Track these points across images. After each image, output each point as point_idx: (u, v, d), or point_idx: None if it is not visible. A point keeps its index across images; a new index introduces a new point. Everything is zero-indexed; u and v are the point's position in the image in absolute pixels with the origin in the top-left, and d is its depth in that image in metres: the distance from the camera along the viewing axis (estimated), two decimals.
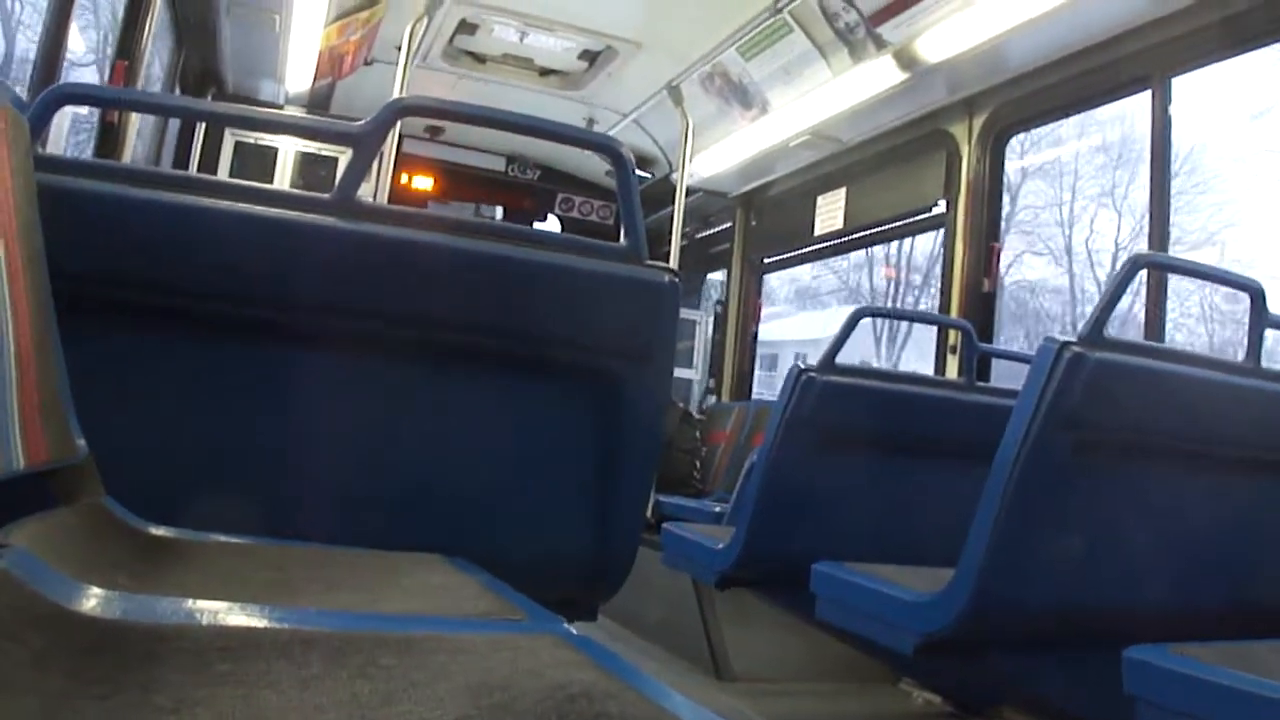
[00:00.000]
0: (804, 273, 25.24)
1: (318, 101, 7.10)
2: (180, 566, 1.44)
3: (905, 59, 4.79)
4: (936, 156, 5.33)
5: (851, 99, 5.31)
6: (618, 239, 2.13)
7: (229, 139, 7.10)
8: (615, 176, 2.11)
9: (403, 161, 7.26)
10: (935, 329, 5.64)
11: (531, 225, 8.20)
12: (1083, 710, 2.45)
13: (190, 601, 1.09)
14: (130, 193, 1.77)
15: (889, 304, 24.80)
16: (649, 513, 4.44)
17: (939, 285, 5.51)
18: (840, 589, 2.75)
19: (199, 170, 6.85)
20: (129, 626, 1.00)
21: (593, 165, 8.00)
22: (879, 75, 4.99)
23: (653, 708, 0.96)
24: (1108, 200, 22.49)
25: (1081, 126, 20.17)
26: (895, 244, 22.78)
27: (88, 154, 4.72)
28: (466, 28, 6.13)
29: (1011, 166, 21.74)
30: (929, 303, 22.78)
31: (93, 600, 1.04)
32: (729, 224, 7.58)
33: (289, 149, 7.20)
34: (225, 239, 1.83)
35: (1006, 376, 4.24)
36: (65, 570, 1.10)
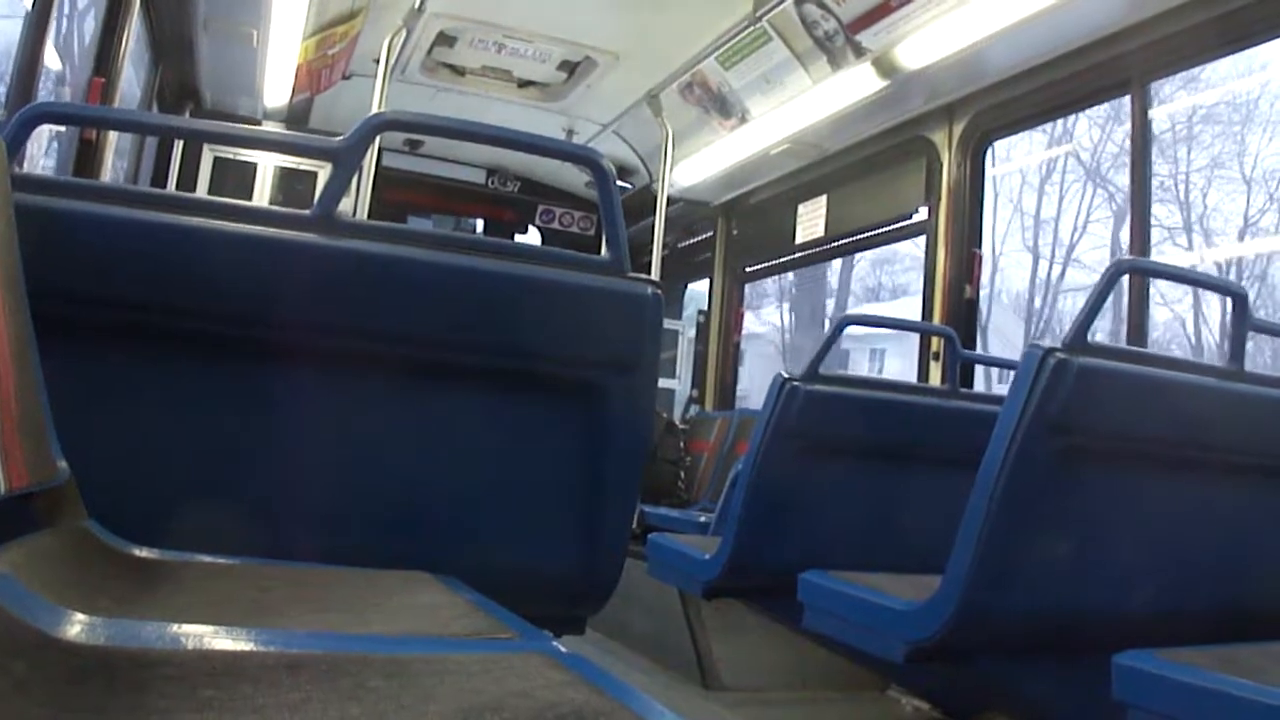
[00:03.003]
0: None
1: (296, 116, 7.07)
2: (165, 589, 1.43)
3: (885, 66, 4.80)
4: (917, 163, 5.35)
5: (831, 107, 5.33)
6: (599, 250, 2.12)
7: (208, 155, 7.07)
8: (596, 188, 2.10)
9: (383, 175, 7.23)
10: None
11: (512, 237, 8.21)
12: (1072, 716, 2.44)
13: (176, 625, 1.08)
14: (109, 211, 1.75)
15: None
16: (634, 524, 4.43)
17: None
18: (828, 598, 2.74)
19: (178, 187, 6.82)
20: (114, 652, 0.99)
21: (573, 176, 8.00)
22: (858, 83, 5.01)
23: None
24: (1232, 166, 20.05)
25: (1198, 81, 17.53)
26: None
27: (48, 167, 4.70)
28: (445, 40, 6.12)
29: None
30: None
31: (76, 626, 1.03)
32: (710, 233, 7.59)
33: (268, 164, 7.18)
34: (206, 257, 1.81)
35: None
36: (48, 595, 1.08)
